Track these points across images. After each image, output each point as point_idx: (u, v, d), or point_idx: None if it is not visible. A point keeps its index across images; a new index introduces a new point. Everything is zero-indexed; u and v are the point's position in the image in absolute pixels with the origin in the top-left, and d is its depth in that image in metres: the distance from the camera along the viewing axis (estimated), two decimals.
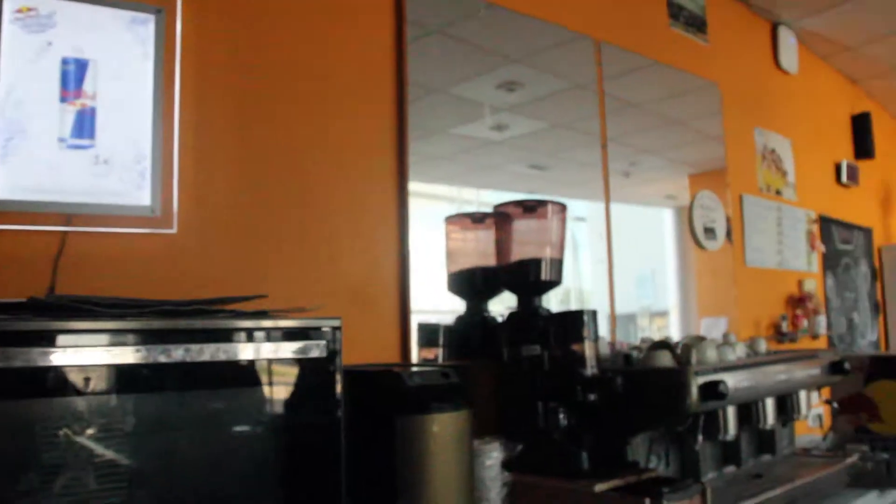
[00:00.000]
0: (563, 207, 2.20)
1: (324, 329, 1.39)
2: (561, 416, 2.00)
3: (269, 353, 1.33)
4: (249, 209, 1.90)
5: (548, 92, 2.91)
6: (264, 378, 1.33)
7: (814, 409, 3.73)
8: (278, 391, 1.34)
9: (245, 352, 1.30)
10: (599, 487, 1.80)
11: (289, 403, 1.35)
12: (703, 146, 3.69)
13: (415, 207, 2.31)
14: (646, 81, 3.40)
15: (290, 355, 1.35)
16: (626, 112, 3.29)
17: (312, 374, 1.38)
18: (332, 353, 1.39)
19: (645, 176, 3.47)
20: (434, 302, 2.35)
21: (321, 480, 1.38)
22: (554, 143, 2.97)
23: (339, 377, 1.40)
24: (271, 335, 1.34)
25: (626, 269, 3.17)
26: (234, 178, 1.89)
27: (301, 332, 1.36)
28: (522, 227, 2.16)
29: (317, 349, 1.37)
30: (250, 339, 1.32)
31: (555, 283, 2.16)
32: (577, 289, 2.87)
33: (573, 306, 2.81)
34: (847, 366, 2.62)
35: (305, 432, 1.36)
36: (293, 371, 1.36)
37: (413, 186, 2.31)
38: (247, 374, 1.31)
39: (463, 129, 2.62)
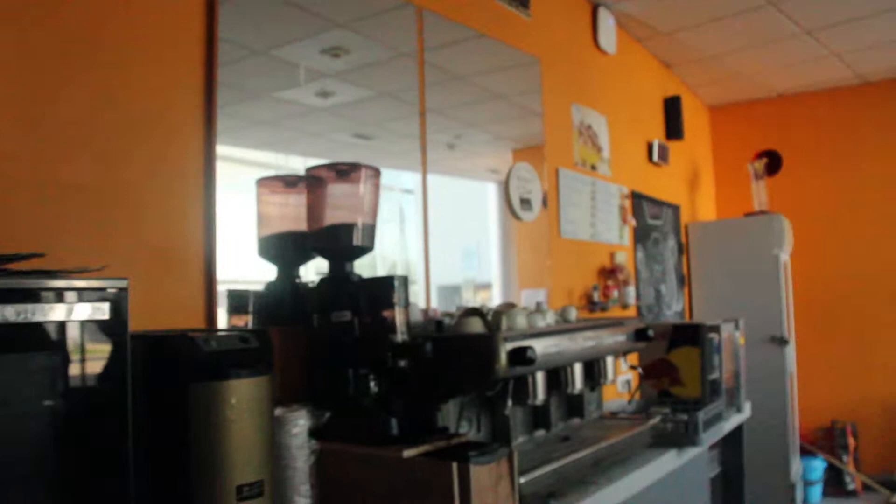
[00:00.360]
0: (376, 172, 2.16)
1: (109, 290, 1.28)
2: (371, 383, 1.98)
3: (45, 315, 1.20)
4: (35, 162, 1.75)
5: (373, 60, 2.86)
6: (40, 343, 1.21)
7: (623, 375, 3.89)
8: (56, 358, 1.22)
9: (16, 313, 1.18)
10: (408, 453, 1.78)
11: (67, 372, 1.23)
12: (526, 121, 3.75)
13: (237, 174, 2.21)
14: (470, 53, 3.40)
15: (69, 318, 1.23)
16: (452, 84, 3.29)
17: (96, 338, 1.26)
18: (118, 316, 1.29)
19: (470, 149, 3.49)
20: (251, 270, 2.27)
21: (105, 457, 1.27)
22: (380, 112, 2.93)
23: (126, 342, 1.30)
24: (48, 296, 1.21)
25: (451, 241, 3.18)
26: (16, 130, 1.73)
27: (83, 292, 1.25)
28: (335, 191, 2.11)
29: (100, 312, 1.26)
30: (26, 299, 1.19)
31: (367, 248, 2.13)
32: (404, 261, 2.85)
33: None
34: (651, 333, 2.73)
35: (87, 403, 1.24)
36: (74, 336, 1.24)
37: (235, 152, 2.22)
38: (21, 339, 1.19)
39: (287, 94, 2.54)
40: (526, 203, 3.40)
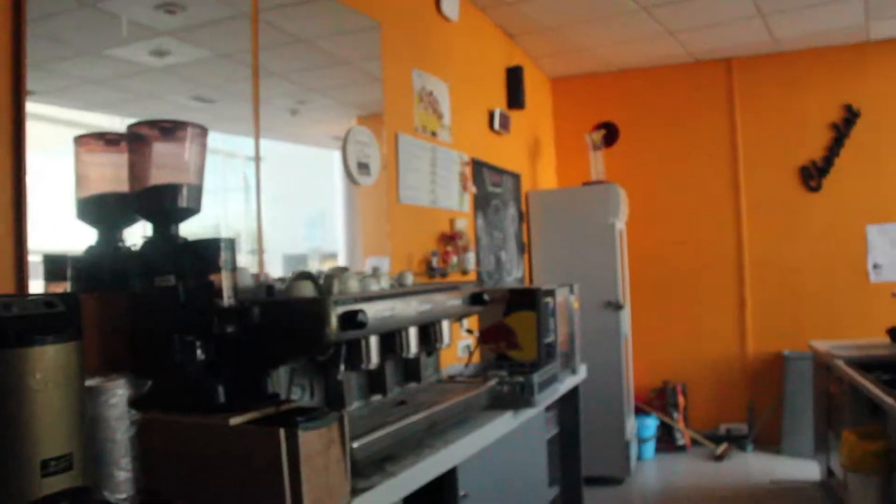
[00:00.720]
0: (203, 131, 2.07)
1: None
2: (198, 350, 1.90)
3: None
4: None
5: (212, 18, 2.74)
6: None
7: (463, 341, 3.93)
8: None
9: None
10: (234, 420, 1.73)
11: None
12: (371, 88, 3.69)
13: (65, 136, 2.07)
14: (310, 15, 3.31)
15: None
16: (294, 48, 3.20)
17: None
18: None
19: (314, 116, 3.41)
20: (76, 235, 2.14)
21: None
22: (220, 74, 2.81)
23: None
24: None
25: (297, 210, 3.11)
26: None
27: None
28: (159, 150, 2.00)
29: None
30: None
31: (193, 210, 2.04)
32: (251, 230, 2.76)
33: (250, 248, 2.73)
34: (486, 297, 2.76)
35: None
36: None
37: (62, 113, 2.07)
38: None
39: (119, 52, 2.38)
40: (364, 167, 3.36)
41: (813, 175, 6.72)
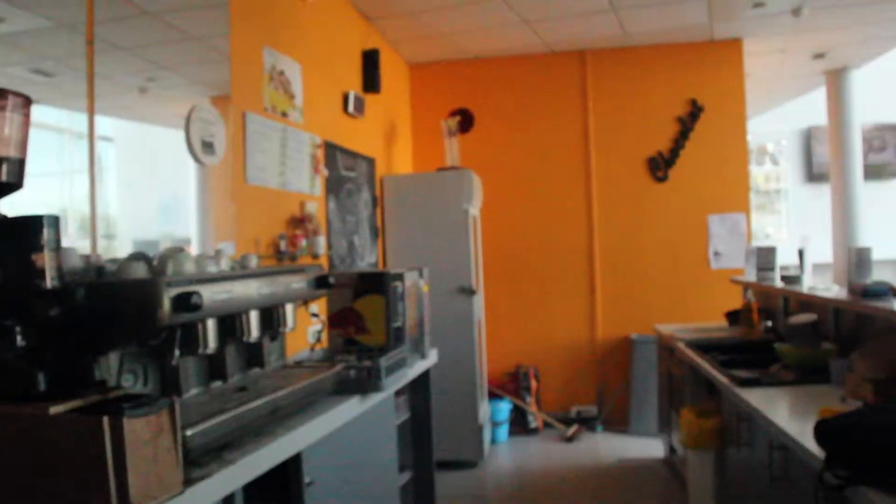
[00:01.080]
0: (26, 101, 1.93)
1: None
2: (18, 335, 1.78)
3: None
4: None
5: None
6: None
7: (314, 326, 3.86)
8: None
9: None
10: (55, 409, 1.62)
11: None
12: (223, 66, 3.55)
13: None
14: None
15: None
16: (141, 20, 3.04)
17: None
18: None
19: (164, 94, 3.26)
20: None
21: None
22: (63, 46, 2.63)
23: None
24: None
25: (149, 193, 2.97)
26: None
27: None
28: None
29: None
30: None
31: (14, 185, 1.90)
32: (103, 215, 2.60)
33: (98, 233, 2.57)
34: (332, 280, 2.71)
35: None
36: None
37: None
38: None
39: None
40: (208, 147, 3.24)
41: (660, 166, 6.99)
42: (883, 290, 3.33)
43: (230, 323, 2.27)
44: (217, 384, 2.47)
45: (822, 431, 2.25)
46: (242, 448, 2.09)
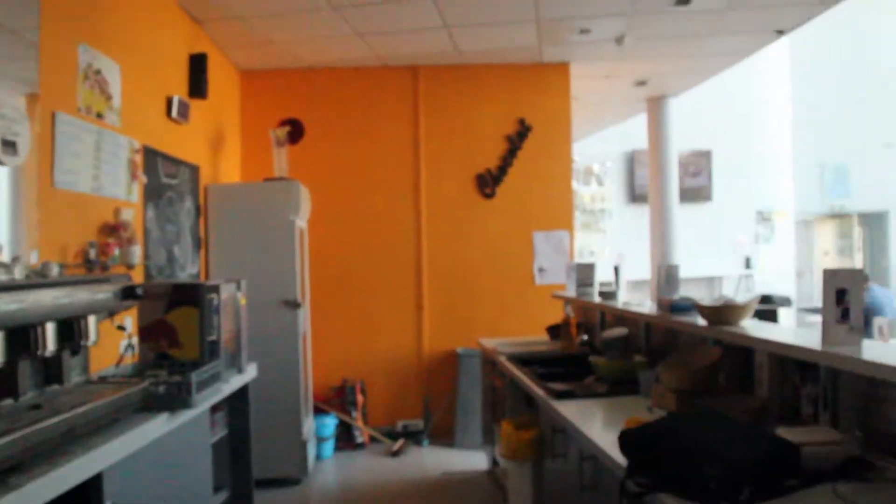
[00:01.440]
0: None
1: None
2: None
3: None
4: None
5: None
6: None
7: (127, 339, 3.67)
8: None
9: None
10: None
11: None
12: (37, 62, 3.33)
13: None
14: None
15: None
16: None
17: None
18: None
19: None
20: None
21: None
22: None
23: None
24: None
25: None
26: None
27: None
28: None
29: None
30: None
31: None
32: None
33: None
34: (140, 291, 2.58)
35: None
36: None
37: None
38: None
39: None
40: (10, 146, 3.02)
41: (488, 183, 7.13)
42: (687, 306, 3.50)
43: (22, 335, 2.11)
44: (7, 402, 2.29)
45: (625, 441, 2.33)
46: (33, 471, 1.94)
